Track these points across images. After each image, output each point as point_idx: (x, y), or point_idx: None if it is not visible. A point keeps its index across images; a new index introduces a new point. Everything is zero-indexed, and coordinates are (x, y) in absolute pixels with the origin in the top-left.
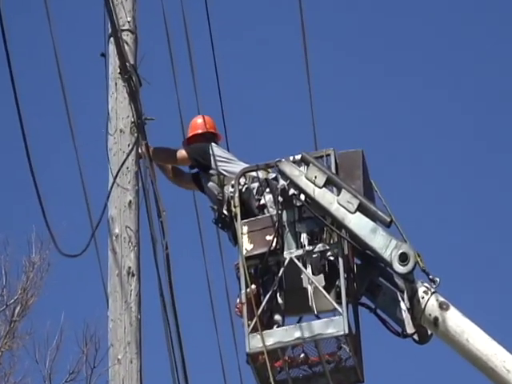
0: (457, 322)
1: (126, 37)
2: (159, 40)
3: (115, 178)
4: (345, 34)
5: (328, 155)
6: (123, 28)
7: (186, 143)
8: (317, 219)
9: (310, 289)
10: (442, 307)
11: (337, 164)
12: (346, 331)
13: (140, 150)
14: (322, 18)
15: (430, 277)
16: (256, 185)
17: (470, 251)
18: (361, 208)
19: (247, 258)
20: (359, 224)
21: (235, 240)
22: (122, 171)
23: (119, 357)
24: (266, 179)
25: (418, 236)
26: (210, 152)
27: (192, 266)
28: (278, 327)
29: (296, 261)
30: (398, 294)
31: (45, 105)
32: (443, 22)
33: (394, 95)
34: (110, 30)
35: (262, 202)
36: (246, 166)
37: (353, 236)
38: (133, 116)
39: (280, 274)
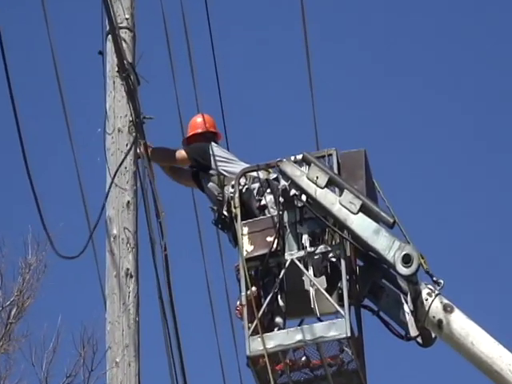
0: (461, 324)
1: (124, 34)
2: (158, 38)
3: (113, 178)
4: (346, 33)
5: (330, 155)
6: (121, 25)
7: (185, 143)
8: (318, 220)
9: (311, 291)
10: (447, 309)
11: (339, 164)
12: (349, 334)
13: (138, 150)
14: (323, 18)
15: (434, 278)
16: (257, 185)
17: (474, 252)
18: (363, 209)
19: (247, 260)
20: (362, 225)
21: (235, 241)
22: (120, 171)
23: (117, 360)
24: (267, 179)
25: (421, 237)
26: (210, 152)
27: (191, 268)
28: (278, 330)
29: (297, 262)
30: (402, 296)
31: (41, 104)
32: (445, 21)
33: (396, 95)
34: (107, 28)
35: (263, 202)
36: (247, 166)
37: (355, 237)
38: (131, 115)
39: (281, 276)
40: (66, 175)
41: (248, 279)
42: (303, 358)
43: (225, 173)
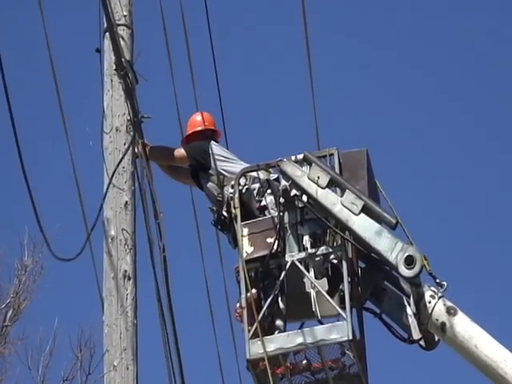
0: (465, 327)
1: (122, 32)
2: (156, 35)
3: (111, 179)
4: (348, 31)
5: (331, 155)
6: (119, 23)
7: (184, 141)
8: (320, 221)
9: (312, 293)
10: (450, 312)
11: (340, 164)
12: (350, 337)
13: (136, 149)
14: (324, 16)
15: (437, 281)
16: (257, 186)
17: (477, 252)
18: (365, 209)
19: (247, 261)
20: (364, 226)
21: (235, 242)
22: (117, 171)
23: (115, 363)
24: (268, 180)
25: (424, 238)
26: (210, 151)
27: (190, 270)
28: (279, 333)
29: (298, 264)
30: (404, 298)
31: (38, 102)
32: (449, 18)
33: (398, 94)
34: (105, 25)
35: (263, 203)
36: (247, 165)
37: (357, 238)
38: (129, 114)
39: (281, 278)
40: (63, 175)
41: (248, 281)
42: (304, 362)
43: (224, 172)
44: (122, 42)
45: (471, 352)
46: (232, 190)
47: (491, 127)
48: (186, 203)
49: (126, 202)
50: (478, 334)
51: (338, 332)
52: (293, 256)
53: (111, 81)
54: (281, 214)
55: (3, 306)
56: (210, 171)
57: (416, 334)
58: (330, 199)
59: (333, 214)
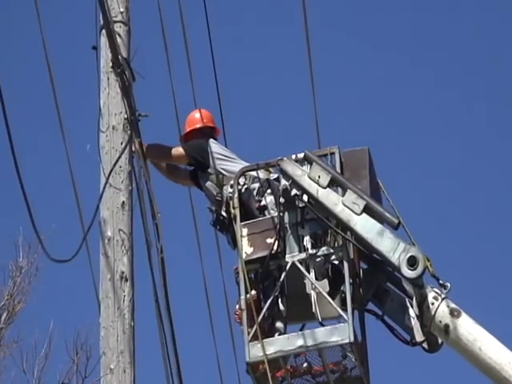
0: (469, 329)
1: (119, 28)
2: (153, 32)
3: (107, 178)
4: (349, 29)
5: (332, 153)
6: (115, 19)
7: (183, 140)
8: (320, 221)
9: (313, 294)
10: (453, 314)
11: (342, 163)
12: (352, 339)
13: (133, 148)
14: (325, 14)
15: (441, 282)
16: (257, 185)
17: (481, 254)
18: (367, 209)
19: (247, 262)
20: (365, 226)
21: (234, 243)
22: (114, 170)
23: (112, 366)
24: (268, 179)
25: (426, 239)
26: (209, 150)
27: (189, 271)
28: (279, 335)
29: (298, 265)
30: (407, 299)
31: (32, 100)
32: (453, 16)
33: (400, 92)
34: (101, 22)
35: (263, 202)
36: (247, 164)
37: (359, 239)
38: (126, 112)
39: (282, 279)
40: (59, 175)
41: (247, 282)
42: (305, 365)
43: (224, 172)
44: (118, 39)
45: (475, 354)
46: (231, 190)
47: (494, 126)
48: (185, 203)
49: (123, 202)
50: (482, 336)
51: (339, 334)
52: (293, 257)
53: (108, 78)
54: (281, 214)
55: None
56: (209, 170)
57: (419, 337)
58: (331, 199)
59: (334, 214)
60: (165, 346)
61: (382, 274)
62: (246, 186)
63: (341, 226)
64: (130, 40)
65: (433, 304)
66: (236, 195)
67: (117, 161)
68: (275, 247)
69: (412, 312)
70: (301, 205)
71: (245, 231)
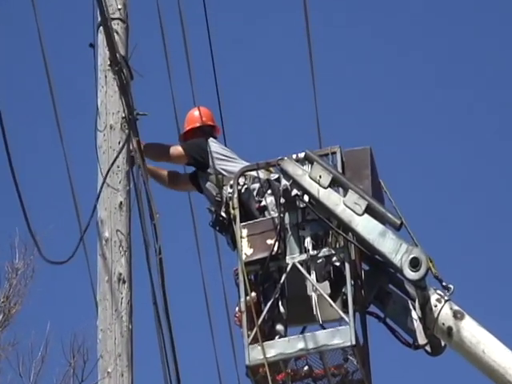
0: (472, 331)
1: (117, 26)
2: (152, 29)
3: (105, 178)
4: (351, 25)
5: (334, 153)
6: (113, 16)
7: (182, 139)
8: (321, 222)
9: (314, 297)
10: (457, 316)
11: (343, 162)
12: (353, 342)
13: (131, 148)
14: (326, 13)
15: (444, 283)
16: (257, 186)
17: (484, 255)
18: (369, 210)
19: (247, 264)
20: (367, 227)
21: (234, 244)
22: (112, 170)
23: (109, 370)
24: (268, 180)
25: (429, 240)
26: (208, 149)
27: (187, 272)
28: (279, 338)
29: (299, 266)
30: (409, 302)
31: (29, 99)
32: (458, 13)
33: (403, 90)
34: (99, 19)
35: (263, 203)
36: (247, 164)
37: (360, 240)
38: (124, 111)
39: (282, 281)
40: (56, 175)
41: (247, 284)
42: (305, 368)
43: (223, 172)
44: (116, 37)
45: (479, 357)
46: (231, 190)
47: (497, 126)
48: (183, 203)
49: (121, 203)
50: (485, 338)
51: (340, 337)
52: (294, 258)
53: (105, 77)
54: (281, 214)
55: None
56: (209, 170)
57: (421, 339)
58: (332, 199)
59: (335, 215)
60: (163, 349)
61: (384, 275)
62: (245, 186)
63: (342, 227)
64: (128, 37)
65: (436, 306)
66: (236, 195)
67: (114, 160)
68: (275, 248)
69: (414, 314)
70: (301, 205)
71: (244, 232)
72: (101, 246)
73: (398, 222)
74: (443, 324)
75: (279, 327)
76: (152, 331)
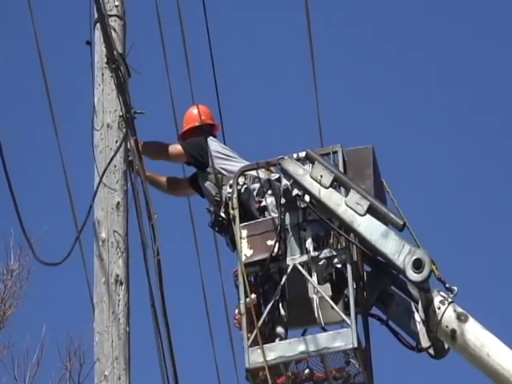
0: (476, 334)
1: (114, 23)
2: (150, 26)
3: (101, 178)
4: (352, 24)
5: (335, 152)
6: (110, 13)
7: (181, 138)
8: (323, 222)
9: (315, 298)
10: (460, 318)
11: (345, 162)
12: (355, 345)
13: (129, 147)
14: (328, 11)
15: (447, 285)
16: (257, 186)
17: (488, 256)
18: (371, 210)
19: (246, 265)
20: (369, 227)
21: (233, 245)
22: (109, 170)
23: (106, 373)
24: (269, 180)
25: (432, 241)
26: (208, 148)
27: (186, 274)
28: (280, 340)
29: (300, 268)
30: (412, 304)
31: (24, 97)
32: (453, 16)
33: (405, 88)
34: (95, 16)
35: (263, 203)
36: (247, 163)
37: (362, 240)
38: (121, 109)
39: (282, 283)
40: (52, 174)
41: (247, 286)
42: (306, 371)
43: (223, 171)
44: (113, 34)
45: (483, 361)
46: (230, 190)
47: (498, 124)
48: (182, 204)
49: (118, 203)
50: (490, 341)
51: (342, 340)
52: (294, 259)
53: (102, 75)
54: (282, 214)
55: None
56: (208, 170)
57: (425, 342)
58: (333, 199)
59: (337, 215)
60: (161, 353)
61: (387, 277)
62: (245, 186)
63: (344, 228)
64: (126, 35)
65: (439, 308)
66: (235, 195)
67: (111, 160)
68: (276, 249)
69: (417, 317)
70: (302, 205)
71: (244, 233)
72: (97, 247)
73: (401, 222)
74: (447, 326)
75: (279, 330)
76: (150, 334)
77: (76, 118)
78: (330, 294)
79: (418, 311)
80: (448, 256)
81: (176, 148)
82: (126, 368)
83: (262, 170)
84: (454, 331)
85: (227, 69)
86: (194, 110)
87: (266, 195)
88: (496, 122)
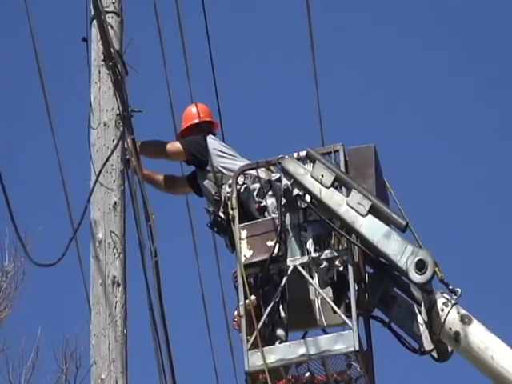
0: (480, 337)
1: (111, 19)
2: (147, 23)
3: (98, 177)
4: (353, 23)
5: (336, 151)
6: (107, 10)
7: (180, 137)
8: (324, 223)
9: (316, 300)
10: (464, 321)
11: (346, 161)
12: (357, 347)
13: (126, 146)
14: (328, 10)
15: (450, 287)
16: (257, 186)
17: (492, 257)
18: (373, 210)
19: (246, 266)
20: (371, 228)
21: (233, 246)
22: (105, 169)
23: (103, 376)
24: (269, 180)
25: (435, 242)
26: (207, 146)
27: (184, 275)
28: (280, 343)
29: (300, 269)
30: (415, 306)
31: (20, 95)
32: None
33: (407, 87)
34: (92, 12)
35: (263, 203)
36: (247, 162)
37: (364, 241)
38: (118, 108)
39: (283, 284)
40: (47, 173)
41: (247, 287)
42: (307, 374)
43: (223, 170)
44: (110, 31)
45: (487, 363)
46: (230, 190)
47: (498, 124)
48: (180, 204)
49: (115, 203)
50: (494, 344)
51: (343, 342)
52: (295, 260)
53: (99, 72)
54: (282, 215)
55: None
56: (208, 168)
57: (428, 345)
58: (334, 199)
59: (338, 215)
60: (159, 355)
61: (389, 278)
62: (245, 186)
63: (345, 228)
64: (123, 32)
65: (442, 310)
66: (234, 195)
67: (108, 159)
68: (276, 250)
69: (420, 319)
70: (303, 205)
71: (244, 233)
72: (94, 247)
73: (404, 223)
74: (450, 329)
75: (280, 332)
76: (147, 336)
77: (72, 117)
78: (331, 295)
79: (420, 313)
80: (451, 257)
81: (175, 146)
82: (123, 371)
83: (263, 169)
84: (457, 334)
85: (226, 66)
86: (193, 108)
87: (267, 196)
88: (497, 122)
